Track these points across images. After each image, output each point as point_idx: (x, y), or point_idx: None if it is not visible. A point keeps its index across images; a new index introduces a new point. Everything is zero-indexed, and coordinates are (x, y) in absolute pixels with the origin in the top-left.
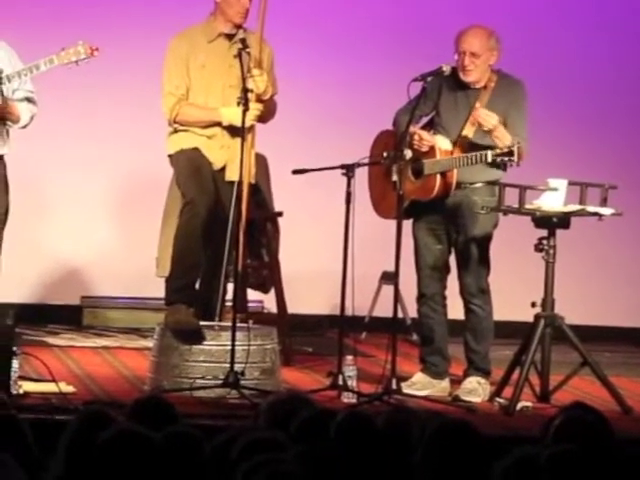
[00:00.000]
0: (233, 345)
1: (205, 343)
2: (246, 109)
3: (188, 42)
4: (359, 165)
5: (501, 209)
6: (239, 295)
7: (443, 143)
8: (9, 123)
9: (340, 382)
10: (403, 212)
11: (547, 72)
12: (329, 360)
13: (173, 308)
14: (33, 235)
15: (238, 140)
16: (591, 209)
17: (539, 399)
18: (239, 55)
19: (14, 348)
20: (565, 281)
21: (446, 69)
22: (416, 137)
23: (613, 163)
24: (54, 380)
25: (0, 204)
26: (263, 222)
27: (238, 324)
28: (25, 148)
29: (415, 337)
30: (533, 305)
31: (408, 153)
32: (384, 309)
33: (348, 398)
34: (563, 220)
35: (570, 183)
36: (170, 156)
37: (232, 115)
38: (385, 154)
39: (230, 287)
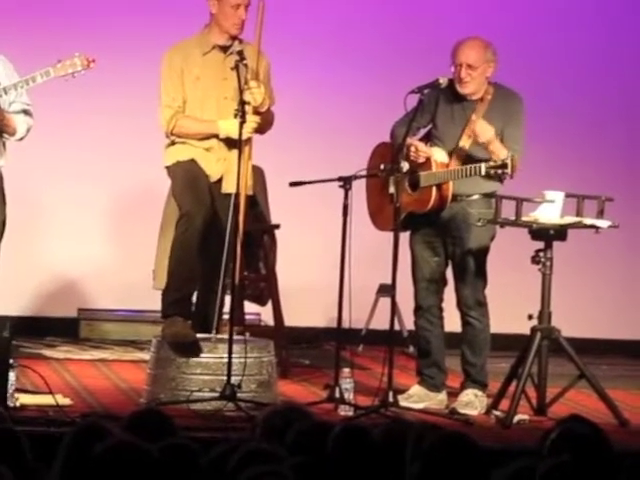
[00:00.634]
0: (230, 358)
1: (202, 356)
2: (243, 121)
3: (182, 55)
4: (356, 177)
5: (498, 221)
6: (236, 307)
7: (439, 155)
8: (5, 135)
9: (337, 395)
10: (400, 224)
11: (544, 84)
12: (326, 373)
13: (170, 321)
14: (30, 247)
15: (235, 152)
16: (588, 221)
17: (536, 412)
18: (236, 67)
19: (11, 360)
20: (562, 293)
21: (443, 81)
22: (412, 149)
23: (610, 175)
24: (51, 392)
25: None
26: (260, 234)
27: (235, 337)
28: (22, 160)
29: (412, 350)
30: (530, 317)
31: (405, 165)
32: (381, 322)
33: (345, 411)
34: (560, 232)
35: (567, 195)
36: (167, 167)
37: (229, 127)
38: (382, 166)
39: (227, 299)
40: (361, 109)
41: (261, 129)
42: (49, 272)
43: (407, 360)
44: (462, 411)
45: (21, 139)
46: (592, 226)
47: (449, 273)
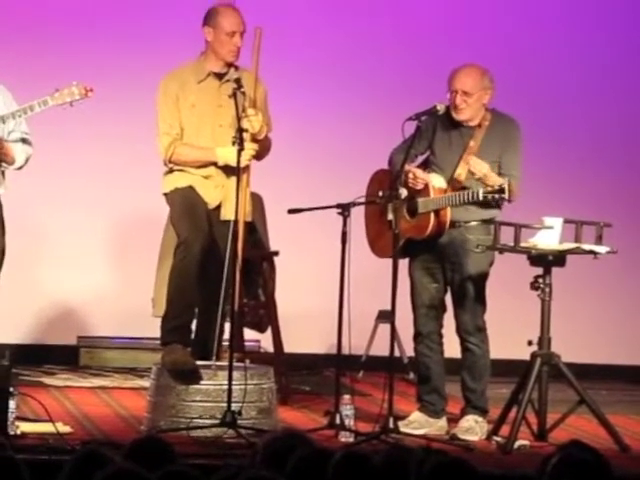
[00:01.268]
0: (230, 385)
1: (202, 383)
2: (241, 149)
3: (178, 82)
4: (355, 204)
5: (496, 247)
6: (236, 334)
7: (437, 181)
8: (4, 164)
9: (337, 421)
10: (399, 251)
11: (543, 110)
12: (326, 399)
13: (169, 348)
14: (29, 275)
15: (233, 179)
16: (586, 247)
17: (536, 437)
18: (234, 95)
19: (11, 389)
20: (561, 319)
21: (440, 108)
22: (410, 175)
23: (608, 201)
24: (51, 420)
25: None
26: (259, 261)
27: (235, 363)
28: (21, 188)
29: (412, 376)
30: (529, 343)
31: (403, 192)
32: (381, 348)
33: (345, 437)
34: (559, 258)
35: (565, 221)
36: (165, 194)
37: (227, 155)
38: (380, 193)
39: (227, 326)
40: (359, 136)
41: (259, 156)
42: (49, 300)
43: (407, 386)
44: (463, 437)
45: (20, 168)
46: (591, 252)
47: (448, 299)
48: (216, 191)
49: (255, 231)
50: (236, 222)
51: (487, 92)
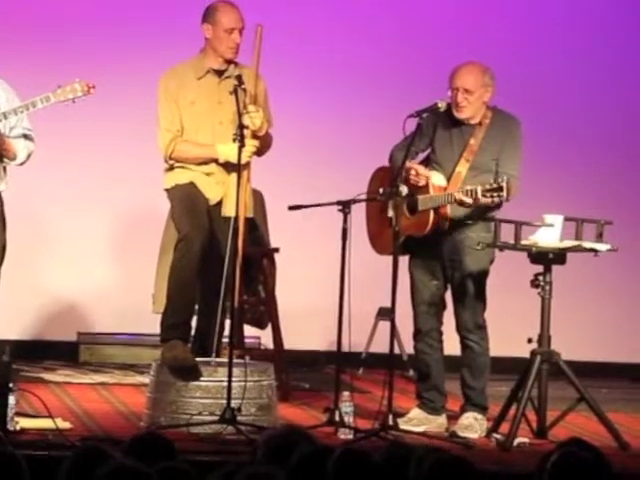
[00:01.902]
0: (230, 381)
1: (202, 379)
2: (242, 145)
3: (177, 79)
4: (355, 201)
5: (497, 245)
6: (236, 331)
7: (437, 179)
8: (6, 160)
9: (337, 418)
10: (400, 248)
11: (544, 108)
12: (326, 396)
13: (169, 344)
14: (30, 271)
15: (234, 176)
16: (587, 245)
17: (536, 435)
18: (235, 92)
19: (10, 384)
20: (561, 317)
21: (441, 105)
22: (412, 172)
23: (609, 199)
24: (51, 416)
25: None
26: (260, 258)
27: (235, 360)
28: (22, 185)
29: (412, 373)
30: (529, 341)
31: (404, 189)
32: (381, 345)
33: (345, 434)
34: (559, 256)
35: (566, 219)
36: (167, 190)
37: (228, 152)
38: (381, 190)
39: (227, 323)
40: (360, 133)
41: (259, 152)
42: (49, 296)
43: (407, 383)
44: (462, 434)
45: (22, 164)
46: (591, 250)
47: (448, 297)
48: (217, 187)
49: (256, 228)
50: (237, 218)
51: (488, 90)
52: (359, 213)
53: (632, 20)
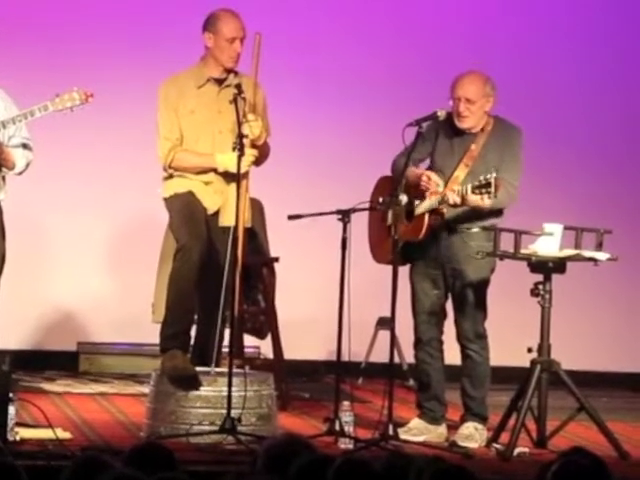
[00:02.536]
0: (230, 391)
1: (201, 389)
2: (241, 154)
3: (177, 88)
4: (355, 210)
5: (497, 254)
6: (235, 341)
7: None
8: (4, 170)
9: (337, 428)
10: (400, 258)
11: (543, 117)
12: (326, 405)
13: (169, 354)
14: (29, 281)
15: (232, 185)
16: (587, 254)
17: (536, 444)
18: (235, 101)
19: (10, 394)
20: (561, 326)
21: (441, 114)
22: (424, 178)
23: (609, 208)
24: (50, 426)
25: None
26: (259, 267)
27: (234, 370)
28: (22, 194)
29: (412, 383)
30: (529, 350)
31: (404, 198)
32: (380, 355)
33: (345, 444)
34: (559, 265)
35: (565, 228)
36: (165, 199)
37: (227, 161)
38: (381, 200)
39: (226, 333)
40: (360, 142)
41: (258, 161)
42: (49, 306)
43: (407, 393)
44: (462, 444)
45: (20, 173)
46: (591, 259)
47: (449, 306)
48: (215, 196)
49: (255, 237)
50: (236, 228)
51: (489, 99)
52: (359, 222)
53: (634, 28)
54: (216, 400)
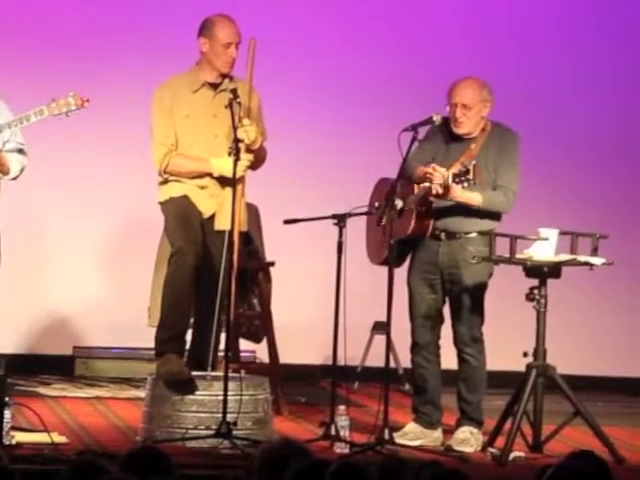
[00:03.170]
0: (225, 395)
1: (197, 393)
2: (237, 159)
3: (172, 92)
4: (350, 215)
5: (492, 259)
6: (231, 345)
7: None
8: None
9: (333, 432)
10: (395, 258)
11: (540, 122)
12: (321, 410)
13: (164, 358)
14: (25, 285)
15: (228, 190)
16: (582, 259)
17: (531, 449)
18: (230, 105)
19: (6, 398)
20: (557, 331)
21: (436, 119)
22: (429, 170)
23: (604, 213)
24: (46, 430)
25: None
26: (255, 272)
27: (230, 374)
28: (17, 198)
29: (407, 387)
30: (525, 355)
31: (399, 203)
32: (376, 359)
33: (341, 448)
34: (554, 270)
35: (561, 233)
36: (161, 204)
37: (222, 166)
38: (377, 204)
39: (222, 337)
40: (355, 146)
41: (254, 166)
42: (44, 310)
43: (403, 397)
44: (458, 448)
45: (15, 178)
46: (586, 263)
47: (446, 310)
48: (211, 200)
49: (251, 241)
50: (232, 232)
51: (486, 105)
52: (355, 227)
53: (630, 29)
54: (212, 404)
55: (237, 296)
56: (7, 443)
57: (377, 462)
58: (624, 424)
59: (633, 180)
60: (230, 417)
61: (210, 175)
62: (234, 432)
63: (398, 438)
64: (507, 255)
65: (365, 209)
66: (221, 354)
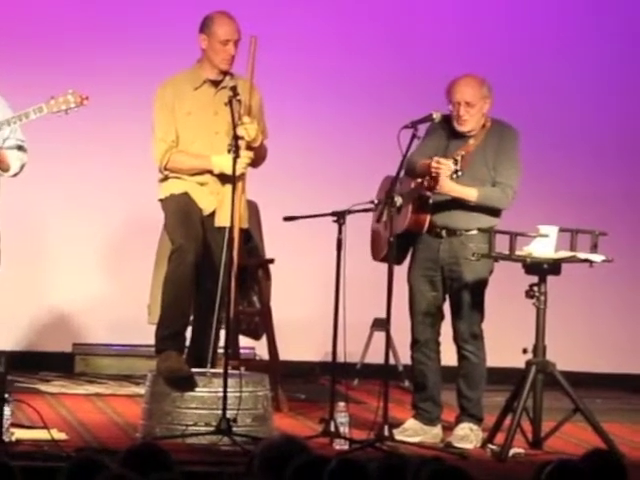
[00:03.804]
0: (225, 392)
1: (197, 390)
2: (237, 157)
3: (173, 90)
4: (350, 212)
5: (492, 255)
6: (231, 342)
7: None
8: None
9: (332, 429)
10: (395, 256)
11: (539, 117)
12: (321, 407)
13: (164, 355)
14: (25, 282)
15: (228, 187)
16: (582, 256)
17: (531, 445)
18: (230, 103)
19: (6, 395)
20: (556, 327)
21: (436, 116)
22: (434, 164)
23: (603, 210)
24: (46, 427)
25: None
26: (255, 269)
27: (230, 371)
28: (17, 196)
29: (407, 384)
30: (524, 351)
31: (399, 200)
32: (376, 356)
33: (340, 445)
34: (554, 266)
35: (561, 230)
36: (161, 200)
37: (223, 163)
38: (376, 201)
39: (222, 334)
40: (356, 143)
41: (254, 163)
42: (44, 307)
43: (402, 394)
44: (457, 445)
45: (15, 175)
46: (586, 260)
47: (446, 307)
48: (211, 197)
49: (251, 238)
50: (232, 229)
51: (487, 101)
52: (354, 224)
53: (629, 28)
54: (212, 401)
55: (237, 293)
56: (7, 440)
57: (378, 459)
58: (624, 421)
59: (633, 177)
60: (230, 414)
61: (210, 172)
62: (234, 429)
63: (398, 434)
64: (507, 252)
65: (364, 206)
66: (221, 351)
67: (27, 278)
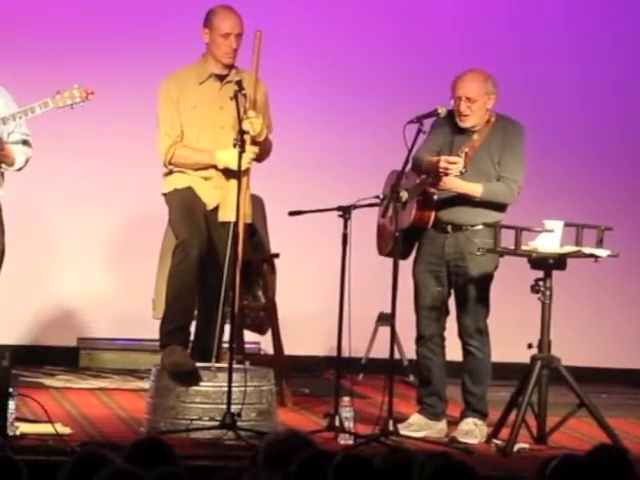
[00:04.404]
0: (230, 386)
1: (201, 384)
2: (242, 151)
3: (178, 84)
4: (355, 207)
5: (497, 250)
6: (236, 336)
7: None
8: (4, 166)
9: (337, 423)
10: (401, 251)
11: (543, 113)
12: (326, 401)
13: (168, 350)
14: (30, 276)
15: (233, 181)
16: (587, 250)
17: (536, 440)
18: (235, 97)
19: (10, 389)
20: (561, 322)
21: (441, 111)
22: (443, 164)
23: (609, 204)
24: (50, 421)
25: None
26: (260, 263)
27: (235, 365)
28: (22, 190)
29: (412, 378)
30: (529, 346)
31: (404, 195)
32: (381, 350)
33: (345, 439)
34: (559, 261)
35: (566, 224)
36: (165, 195)
37: (228, 158)
38: (381, 195)
39: (227, 328)
40: (361, 138)
41: (259, 158)
42: (49, 301)
43: (407, 389)
44: (462, 440)
45: (19, 169)
46: (591, 255)
47: (451, 302)
48: (215, 192)
49: (256, 233)
50: (236, 224)
51: (491, 97)
52: (360, 219)
53: (632, 25)
54: (216, 395)
55: (242, 288)
56: (11, 434)
57: (381, 454)
58: (628, 416)
59: (638, 172)
60: (234, 408)
61: (215, 167)
62: (238, 423)
63: (402, 429)
64: (512, 247)
65: (370, 201)
66: (225, 345)
67: (32, 273)
